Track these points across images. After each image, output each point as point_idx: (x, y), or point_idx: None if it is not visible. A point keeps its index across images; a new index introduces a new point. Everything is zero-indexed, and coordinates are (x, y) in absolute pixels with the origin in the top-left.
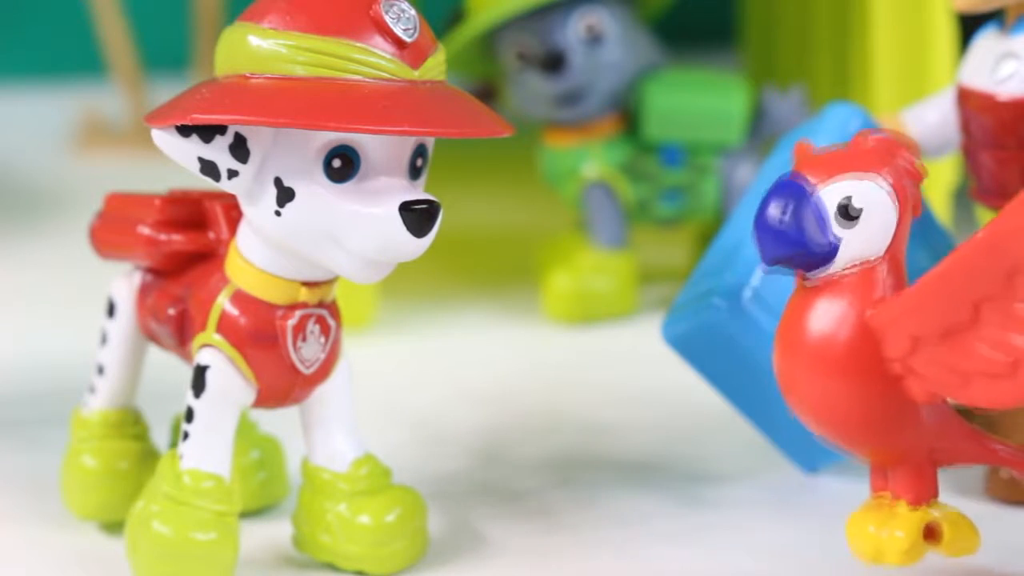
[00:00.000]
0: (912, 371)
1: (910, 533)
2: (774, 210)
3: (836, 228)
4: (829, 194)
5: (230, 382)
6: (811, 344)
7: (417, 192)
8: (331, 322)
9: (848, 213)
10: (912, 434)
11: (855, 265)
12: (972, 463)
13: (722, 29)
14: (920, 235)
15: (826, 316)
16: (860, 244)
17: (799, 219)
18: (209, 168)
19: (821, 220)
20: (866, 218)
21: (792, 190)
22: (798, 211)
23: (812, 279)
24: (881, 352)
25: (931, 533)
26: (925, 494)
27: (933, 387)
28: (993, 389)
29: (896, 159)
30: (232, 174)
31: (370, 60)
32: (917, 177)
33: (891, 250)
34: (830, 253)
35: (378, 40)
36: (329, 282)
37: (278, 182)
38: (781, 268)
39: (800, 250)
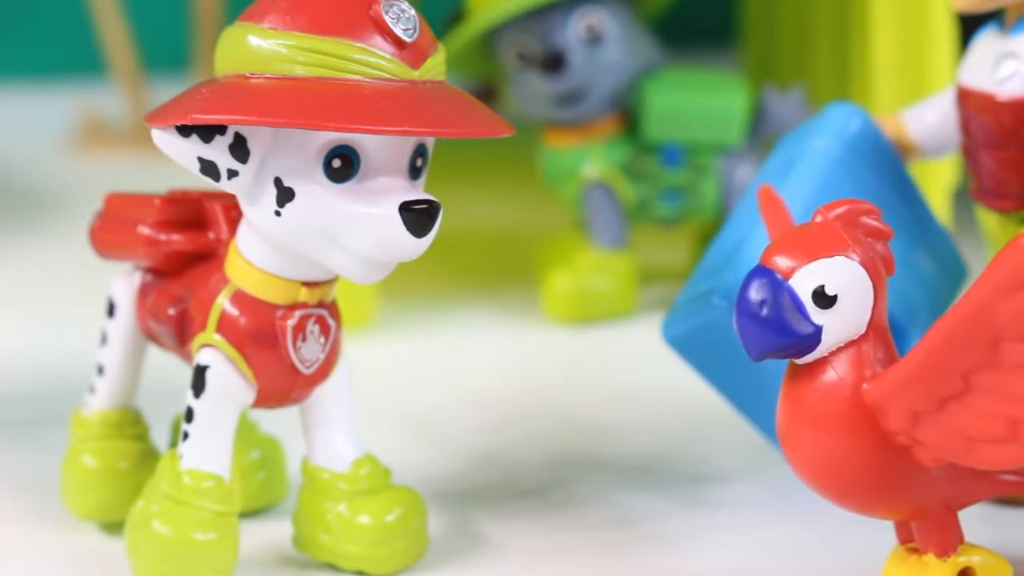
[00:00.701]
0: (917, 442)
1: None
2: (753, 305)
3: (815, 315)
4: (802, 282)
5: (230, 382)
6: (813, 422)
7: (417, 192)
8: (331, 322)
9: (824, 299)
10: (925, 492)
11: (841, 346)
12: (989, 498)
13: (722, 29)
14: (920, 236)
15: (822, 394)
16: (842, 325)
17: (778, 311)
18: (209, 168)
19: (800, 309)
20: (843, 300)
21: (766, 283)
22: (776, 303)
23: (803, 362)
24: (882, 424)
25: None
26: (951, 543)
27: (939, 455)
28: (998, 453)
29: (859, 226)
30: (232, 174)
31: (370, 60)
32: (883, 236)
33: (873, 324)
34: (814, 340)
35: (378, 40)
36: (329, 282)
37: (278, 182)
38: (769, 359)
39: (785, 341)
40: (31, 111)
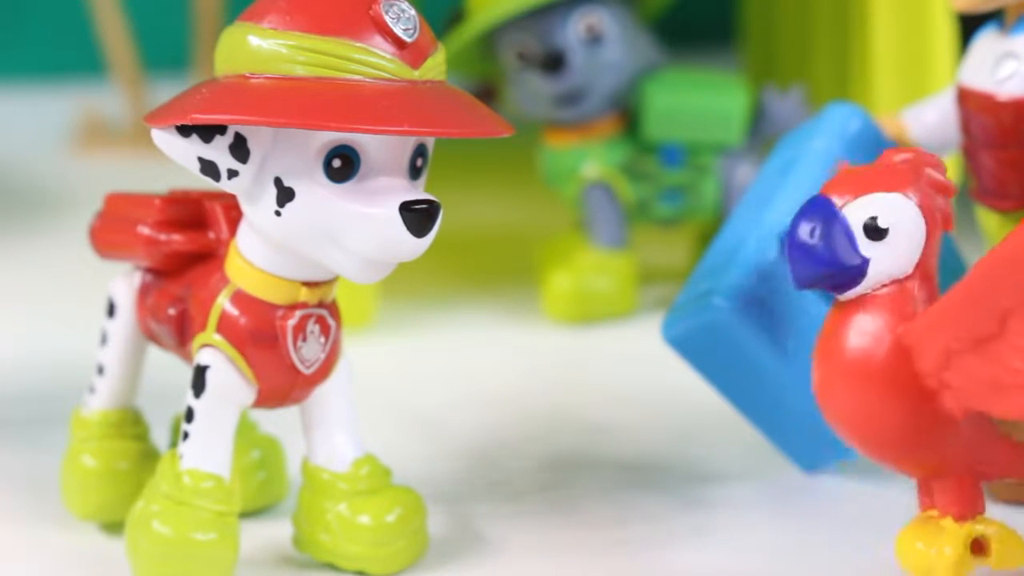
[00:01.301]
0: (946, 384)
1: (957, 548)
2: (803, 231)
3: (864, 246)
4: (855, 212)
5: (230, 382)
6: (847, 361)
7: (417, 192)
8: (331, 322)
9: (875, 230)
10: (951, 448)
11: (887, 283)
12: (1015, 476)
13: (722, 29)
14: None
15: (861, 333)
16: (890, 261)
17: (828, 239)
18: (209, 168)
19: (850, 239)
20: (894, 235)
21: (820, 210)
22: (827, 231)
23: (845, 297)
24: (915, 367)
25: (979, 547)
26: (970, 508)
27: (967, 399)
28: (1022, 401)
29: (924, 174)
30: (232, 174)
31: (370, 60)
32: (947, 191)
33: (921, 266)
34: (860, 272)
35: (378, 40)
36: (329, 282)
37: (278, 182)
38: (813, 289)
39: (831, 270)
40: (31, 111)
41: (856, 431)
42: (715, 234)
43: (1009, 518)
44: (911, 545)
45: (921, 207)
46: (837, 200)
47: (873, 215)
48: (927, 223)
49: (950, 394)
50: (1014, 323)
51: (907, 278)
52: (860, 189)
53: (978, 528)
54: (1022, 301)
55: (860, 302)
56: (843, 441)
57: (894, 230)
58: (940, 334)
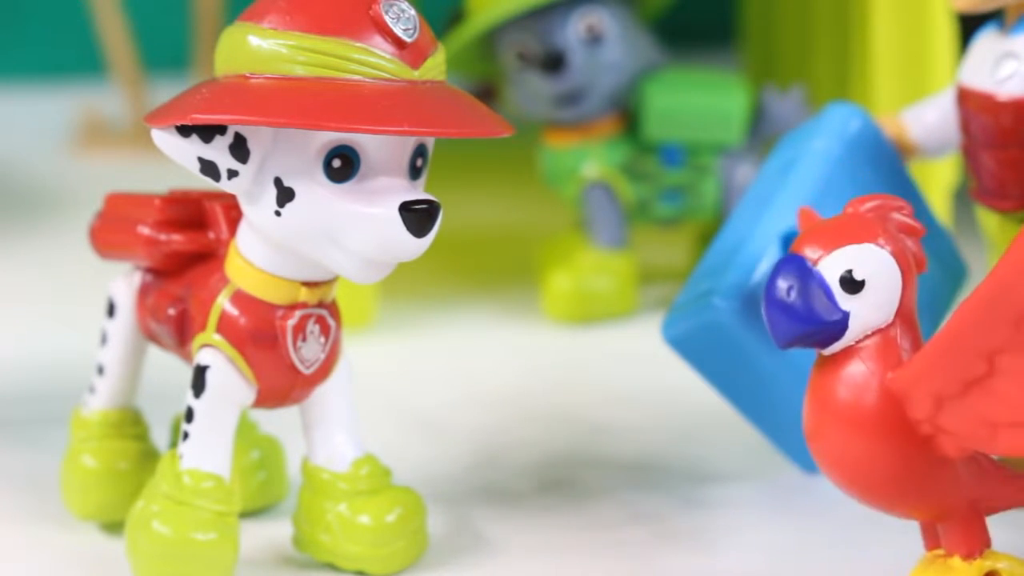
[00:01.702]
0: (940, 429)
1: None
2: (780, 290)
3: (843, 300)
4: (830, 267)
5: (230, 382)
6: (838, 411)
7: (417, 192)
8: (331, 322)
9: (852, 284)
10: (950, 490)
11: (869, 334)
12: (1017, 507)
13: (722, 29)
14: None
15: (849, 384)
16: (869, 312)
17: (806, 297)
18: (209, 168)
19: (827, 294)
20: (871, 287)
21: (794, 268)
22: (804, 289)
23: (830, 351)
24: (907, 414)
25: None
26: (977, 546)
27: (964, 442)
28: (1021, 438)
29: (891, 220)
30: (232, 174)
31: (370, 60)
32: (915, 233)
33: (901, 312)
34: (841, 326)
35: (378, 40)
36: (329, 282)
37: (278, 182)
38: (796, 347)
39: (811, 327)
40: (31, 111)
41: (852, 480)
42: (715, 234)
43: (1012, 518)
44: None
45: (894, 254)
46: (810, 255)
47: (848, 268)
48: (902, 269)
49: (945, 438)
50: (1004, 361)
51: (889, 326)
52: (832, 243)
53: (988, 564)
54: (1009, 339)
55: (845, 354)
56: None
57: (871, 281)
58: (929, 381)
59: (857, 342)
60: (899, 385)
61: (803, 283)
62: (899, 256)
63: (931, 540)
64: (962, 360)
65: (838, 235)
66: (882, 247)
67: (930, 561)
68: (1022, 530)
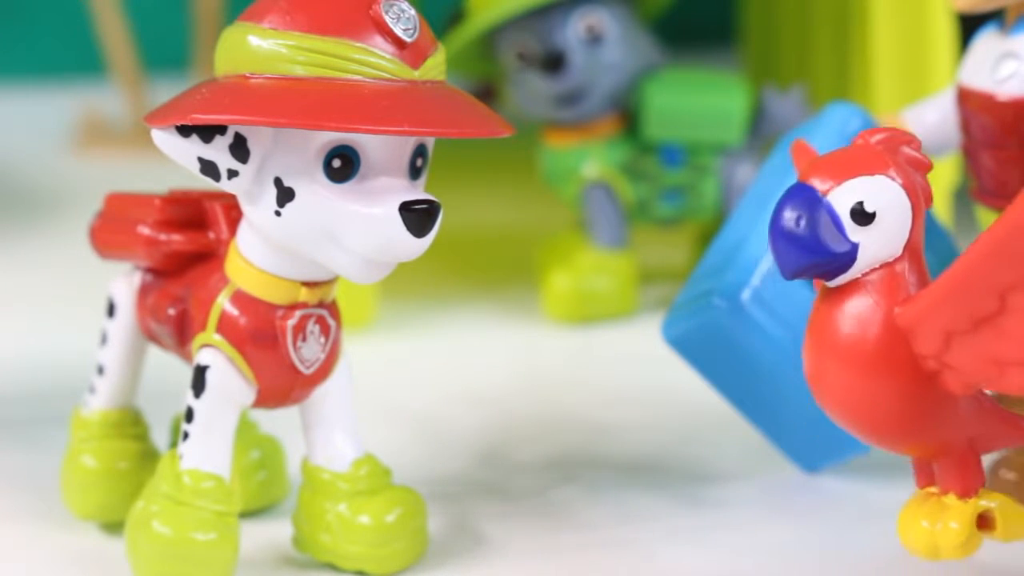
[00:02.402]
0: (947, 366)
1: (964, 524)
2: (788, 220)
3: (852, 232)
4: (840, 198)
5: (230, 382)
6: (841, 347)
7: (417, 192)
8: (331, 322)
9: (862, 215)
10: (951, 427)
11: (876, 267)
12: (1012, 446)
13: (722, 29)
14: None
15: (854, 318)
16: (878, 245)
17: (814, 227)
18: (209, 168)
19: (837, 225)
20: (881, 218)
21: (803, 198)
22: (812, 219)
23: (835, 283)
24: (912, 350)
25: (984, 522)
26: (973, 484)
27: (970, 379)
28: None
29: (900, 153)
30: (232, 174)
31: (370, 60)
32: (923, 167)
33: (909, 246)
34: (849, 258)
35: (378, 40)
36: (329, 282)
37: (278, 182)
38: (801, 278)
39: (819, 258)
40: (31, 111)
41: (854, 417)
42: (715, 234)
43: None
44: (915, 523)
45: (905, 187)
46: (819, 186)
47: (859, 199)
48: (912, 203)
49: (951, 375)
50: (1015, 299)
51: (896, 260)
52: (842, 174)
53: (983, 503)
54: (1020, 277)
55: (850, 287)
56: (842, 440)
57: (881, 213)
58: (938, 316)
59: (863, 275)
60: (907, 320)
61: (812, 213)
62: (910, 189)
63: (924, 477)
64: (973, 297)
65: (849, 166)
66: (893, 179)
67: (923, 499)
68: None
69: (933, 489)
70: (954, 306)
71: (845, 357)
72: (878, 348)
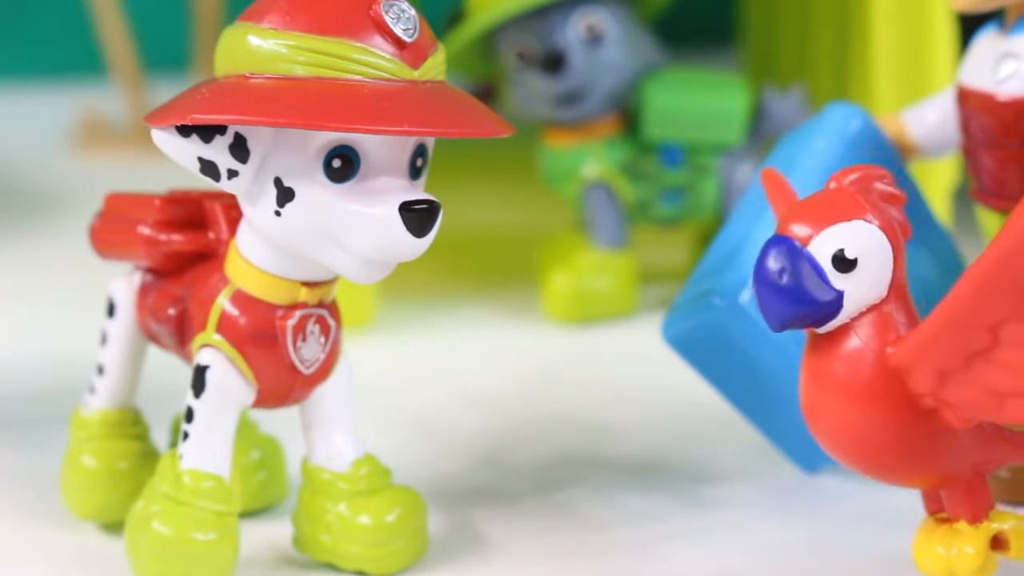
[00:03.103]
0: (944, 402)
1: (979, 548)
2: (772, 273)
3: (835, 280)
4: (820, 247)
5: (230, 382)
6: (837, 389)
7: (417, 192)
8: (331, 322)
9: (844, 263)
10: (954, 458)
11: (864, 311)
12: (1015, 463)
13: (722, 29)
14: (920, 235)
15: (846, 361)
16: (864, 290)
17: (798, 279)
18: (209, 168)
19: (820, 275)
20: (863, 263)
21: (784, 250)
22: (795, 271)
23: (825, 330)
24: (908, 388)
25: (998, 543)
26: (982, 509)
27: (968, 413)
28: None
29: (873, 191)
30: (232, 174)
31: (370, 60)
32: (897, 201)
33: (894, 286)
34: (836, 306)
35: (378, 40)
36: (329, 282)
37: (278, 182)
38: (790, 328)
39: (806, 309)
40: (31, 111)
41: (855, 456)
42: (715, 234)
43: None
44: (930, 550)
45: (883, 228)
46: (799, 234)
47: (840, 247)
48: (892, 243)
49: (949, 411)
50: (1008, 331)
51: (883, 301)
52: (820, 222)
53: (994, 526)
54: (1013, 308)
55: (840, 332)
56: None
57: (863, 258)
58: (931, 355)
59: (852, 320)
60: (900, 360)
61: (794, 265)
62: (888, 229)
63: (933, 504)
64: (965, 333)
65: (825, 212)
66: (871, 222)
67: (934, 526)
68: None
69: (943, 515)
70: (946, 343)
71: (841, 399)
72: (873, 388)
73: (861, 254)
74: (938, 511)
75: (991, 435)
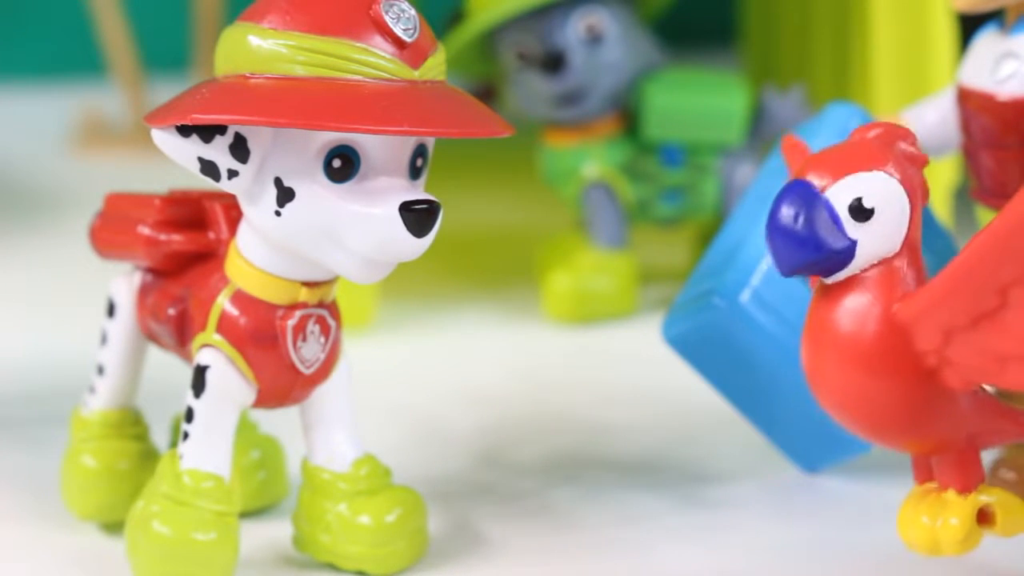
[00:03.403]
0: (947, 362)
1: (965, 520)
2: (786, 217)
3: (851, 228)
4: (838, 194)
5: (230, 382)
6: (840, 343)
7: (417, 192)
8: (331, 322)
9: (861, 212)
10: (950, 423)
11: (874, 264)
12: (1012, 441)
13: (722, 29)
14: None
15: (852, 315)
16: (877, 241)
17: (812, 224)
18: (209, 168)
19: (835, 222)
20: (879, 214)
21: (801, 195)
22: (811, 216)
23: (832, 280)
24: (912, 346)
25: (984, 517)
26: (973, 480)
27: (970, 375)
28: None
29: (897, 149)
30: (232, 174)
31: (370, 60)
32: (920, 163)
33: (907, 242)
34: (848, 255)
35: (378, 40)
36: (329, 282)
37: (278, 182)
38: (799, 275)
39: (818, 255)
40: (31, 111)
41: (852, 413)
42: (715, 234)
43: None
44: (915, 519)
45: (903, 183)
46: (817, 182)
47: (858, 196)
48: (910, 198)
49: (952, 371)
50: (1016, 295)
51: (895, 256)
52: (840, 170)
53: (983, 498)
54: (1021, 273)
55: (848, 284)
56: (842, 440)
57: (880, 209)
58: (939, 312)
59: (861, 272)
60: (906, 316)
61: (810, 210)
62: (907, 185)
63: (923, 473)
64: (974, 293)
65: (846, 162)
66: (891, 175)
67: (922, 495)
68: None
69: (932, 485)
70: (954, 302)
71: (843, 353)
72: (877, 344)
73: (879, 205)
74: (927, 481)
75: (989, 406)
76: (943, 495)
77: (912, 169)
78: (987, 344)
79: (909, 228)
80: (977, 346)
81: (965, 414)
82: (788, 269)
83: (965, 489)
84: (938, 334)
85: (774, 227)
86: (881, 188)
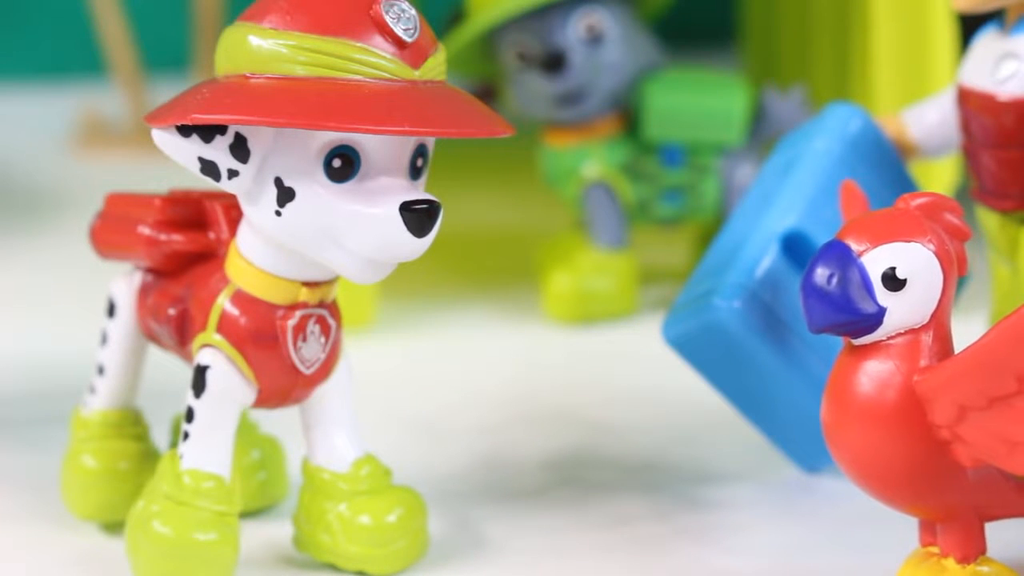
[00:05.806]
0: (959, 438)
1: None
2: (820, 277)
3: (882, 296)
4: (874, 261)
5: (230, 382)
6: (859, 404)
7: (418, 192)
8: (331, 322)
9: (893, 281)
10: (958, 494)
11: (901, 332)
12: (1019, 515)
13: (722, 29)
14: None
15: (874, 379)
16: (906, 311)
17: (845, 287)
18: (209, 168)
19: (867, 288)
20: (912, 285)
21: (838, 257)
22: (844, 278)
23: (859, 342)
24: (927, 417)
25: None
26: (973, 551)
27: (979, 454)
28: None
29: (940, 221)
30: (232, 174)
31: (370, 60)
32: (962, 236)
33: (937, 315)
34: (876, 321)
35: (378, 40)
36: (329, 282)
37: (278, 182)
38: (828, 333)
39: (847, 318)
40: (31, 111)
41: (864, 473)
42: (715, 234)
43: (1012, 523)
44: None
45: (939, 256)
46: (855, 247)
47: (892, 265)
48: (944, 272)
49: (963, 447)
50: None
51: (922, 328)
52: (879, 237)
53: (981, 569)
54: None
55: (874, 348)
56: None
57: (912, 280)
58: (956, 389)
59: (888, 338)
60: (925, 389)
61: (845, 273)
62: (944, 258)
63: (927, 536)
64: (993, 375)
65: (887, 230)
66: (928, 247)
67: (922, 558)
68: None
69: (934, 549)
70: (972, 382)
71: (861, 414)
72: (894, 411)
73: (912, 276)
74: (931, 543)
75: (997, 481)
76: (943, 561)
77: (952, 242)
78: (999, 427)
79: (940, 302)
80: (989, 428)
81: (972, 487)
82: (817, 327)
83: (965, 559)
84: (954, 410)
85: (808, 285)
86: (916, 260)
